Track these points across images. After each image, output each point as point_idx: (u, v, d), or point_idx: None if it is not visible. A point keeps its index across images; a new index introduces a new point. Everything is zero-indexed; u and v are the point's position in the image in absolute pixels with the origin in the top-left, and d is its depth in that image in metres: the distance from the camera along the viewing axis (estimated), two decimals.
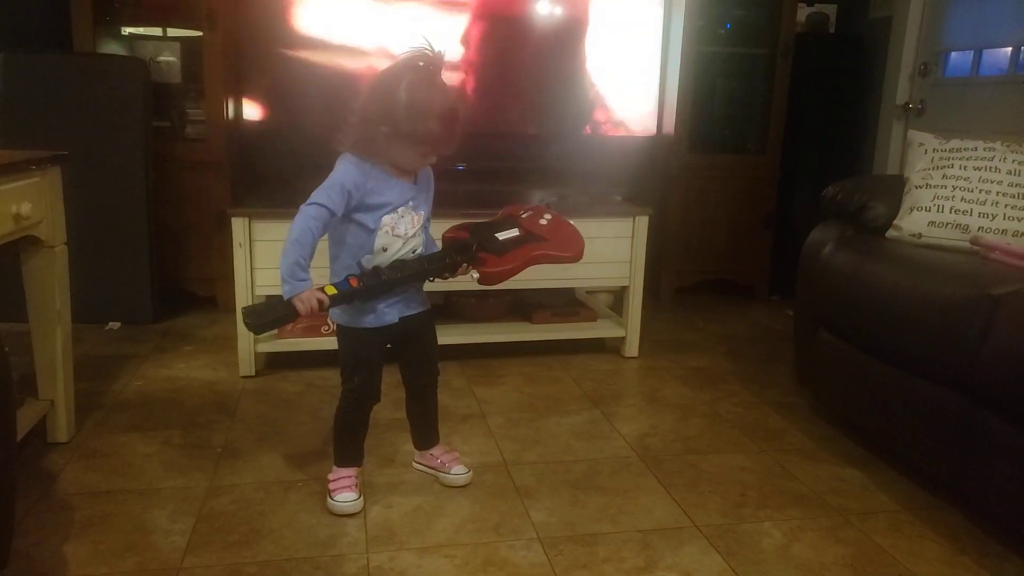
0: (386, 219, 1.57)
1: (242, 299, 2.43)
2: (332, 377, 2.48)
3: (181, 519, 1.65)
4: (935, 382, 1.77)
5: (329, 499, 1.70)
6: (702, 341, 3.04)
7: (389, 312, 1.66)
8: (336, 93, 2.98)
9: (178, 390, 2.37)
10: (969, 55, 3.15)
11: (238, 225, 2.37)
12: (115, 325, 2.96)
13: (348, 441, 1.76)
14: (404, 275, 1.59)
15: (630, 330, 2.76)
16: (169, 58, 3.24)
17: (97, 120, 2.84)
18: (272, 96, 3.06)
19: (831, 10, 3.62)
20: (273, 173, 3.19)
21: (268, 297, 2.90)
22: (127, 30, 3.13)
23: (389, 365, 1.74)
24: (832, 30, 3.65)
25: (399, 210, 1.59)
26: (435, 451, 1.87)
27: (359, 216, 1.57)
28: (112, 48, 3.13)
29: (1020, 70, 2.90)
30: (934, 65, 3.28)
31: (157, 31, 3.18)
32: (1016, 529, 1.63)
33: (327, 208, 1.51)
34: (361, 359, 1.70)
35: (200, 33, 3.05)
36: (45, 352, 1.94)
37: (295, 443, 2.03)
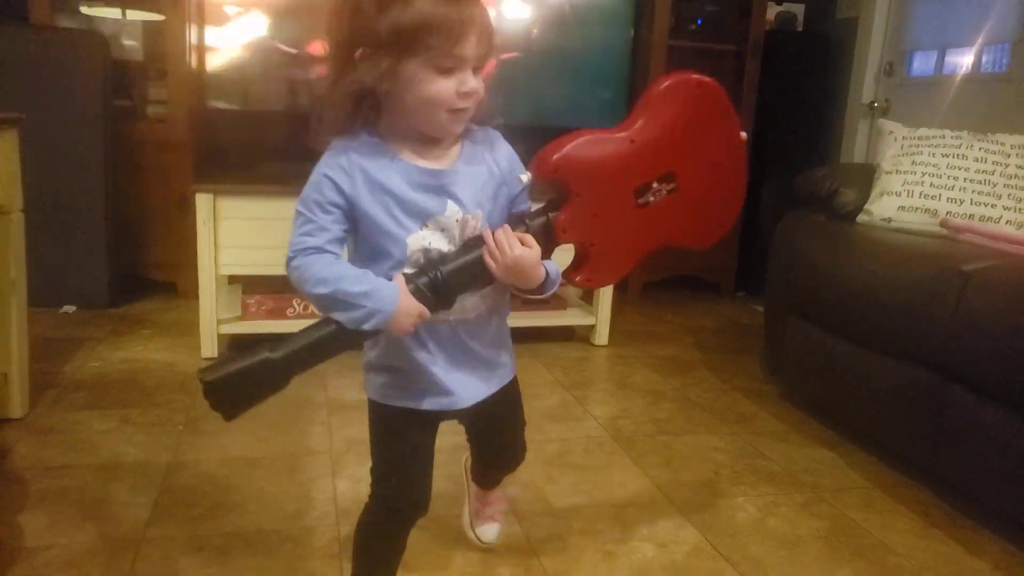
0: (411, 239, 1.00)
1: (205, 281, 2.35)
2: None
3: (142, 492, 1.58)
4: (907, 360, 1.79)
5: None
6: (670, 332, 3.04)
7: (454, 392, 1.11)
8: (302, 74, 2.94)
9: (136, 371, 2.29)
10: (933, 55, 3.21)
11: (203, 202, 2.31)
12: (70, 309, 2.85)
13: (369, 565, 1.19)
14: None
15: (600, 318, 2.75)
16: (131, 42, 3.15)
17: (54, 96, 2.74)
18: (237, 78, 3.00)
19: (799, 9, 3.67)
20: (237, 155, 3.12)
21: (237, 283, 2.83)
22: (86, 9, 3.03)
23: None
24: (800, 29, 3.70)
25: (428, 224, 1.01)
26: (483, 494, 1.45)
27: (372, 237, 1.01)
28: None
29: (982, 70, 2.97)
30: (899, 64, 3.35)
31: (116, 13, 3.09)
32: (987, 503, 1.65)
33: (313, 248, 0.97)
34: (399, 456, 1.13)
35: (163, 17, 2.96)
36: None
37: (260, 421, 1.97)
